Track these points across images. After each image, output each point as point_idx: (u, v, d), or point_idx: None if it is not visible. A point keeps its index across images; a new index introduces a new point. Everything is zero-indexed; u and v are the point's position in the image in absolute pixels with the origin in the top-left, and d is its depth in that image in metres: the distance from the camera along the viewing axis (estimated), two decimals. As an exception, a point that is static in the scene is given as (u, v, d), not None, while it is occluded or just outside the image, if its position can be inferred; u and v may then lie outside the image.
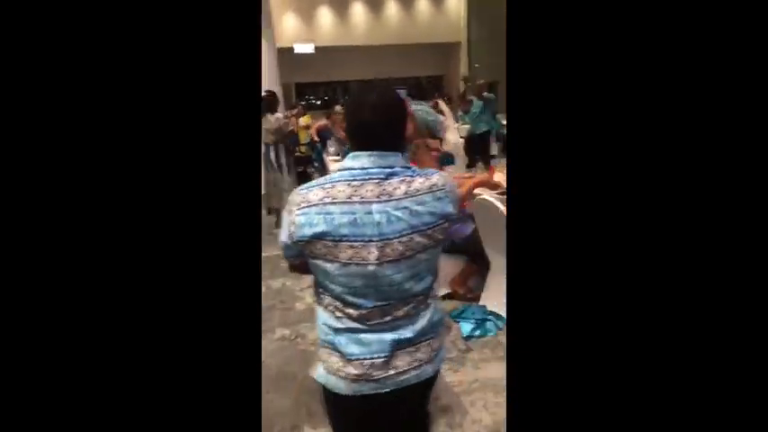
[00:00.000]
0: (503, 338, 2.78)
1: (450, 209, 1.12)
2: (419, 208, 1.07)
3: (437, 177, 1.12)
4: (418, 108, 4.62)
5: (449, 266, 3.24)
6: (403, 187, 1.07)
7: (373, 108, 1.08)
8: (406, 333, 1.13)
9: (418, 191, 1.08)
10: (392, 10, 15.07)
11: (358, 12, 14.69)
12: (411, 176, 1.09)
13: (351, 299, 1.10)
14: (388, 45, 14.96)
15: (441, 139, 5.18)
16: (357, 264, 1.06)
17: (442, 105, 6.92)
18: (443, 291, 3.27)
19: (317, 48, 13.94)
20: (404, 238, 1.06)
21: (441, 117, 5.97)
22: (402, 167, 1.10)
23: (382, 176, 1.07)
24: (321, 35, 14.23)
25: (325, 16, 14.32)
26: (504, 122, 9.86)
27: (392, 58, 16.00)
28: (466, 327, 2.86)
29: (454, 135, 6.55)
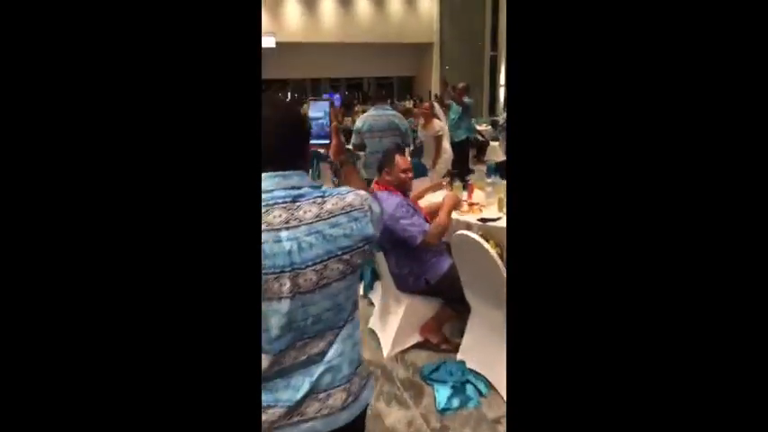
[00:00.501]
0: (488, 410, 2.31)
1: (369, 230, 1.04)
2: (333, 231, 1.00)
3: (353, 197, 1.05)
4: (384, 113, 4.26)
5: (420, 310, 2.80)
6: (314, 210, 1.00)
7: (265, 123, 0.93)
8: (319, 376, 1.04)
9: (331, 212, 1.01)
10: (364, 7, 14.59)
11: (328, 7, 14.13)
12: (322, 197, 1.02)
13: (264, 345, 1.00)
14: (358, 43, 14.49)
15: (412, 150, 4.78)
16: (269, 299, 0.97)
17: (438, 110, 6.27)
18: (413, 339, 2.82)
19: (284, 44, 13.34)
20: (318, 266, 0.99)
21: (425, 122, 5.56)
22: (310, 187, 1.04)
23: (289, 199, 1.00)
24: (288, 30, 13.61)
25: (293, 10, 13.70)
26: (479, 128, 9.55)
27: (363, 57, 15.63)
28: (442, 394, 2.34)
29: (448, 144, 5.99)
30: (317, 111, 1.21)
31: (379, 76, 18.18)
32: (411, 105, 13.07)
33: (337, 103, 15.77)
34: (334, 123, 1.19)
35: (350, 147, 5.04)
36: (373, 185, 2.76)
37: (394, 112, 4.47)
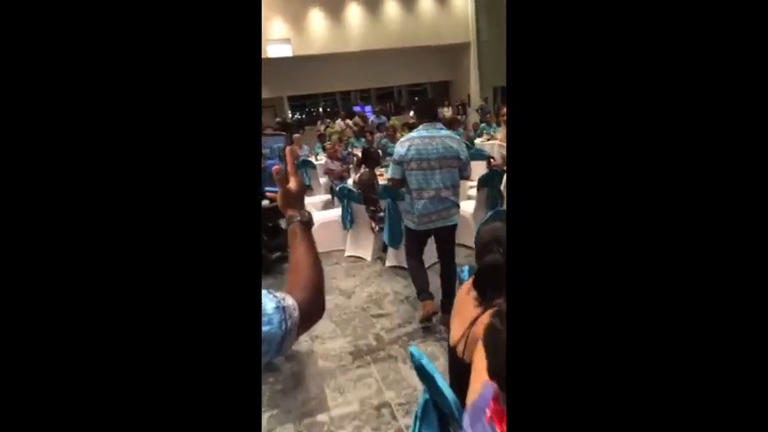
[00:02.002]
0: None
1: None
2: None
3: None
4: (438, 134, 2.99)
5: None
6: None
7: None
8: None
9: None
10: (392, 9, 13.35)
11: (353, 14, 12.98)
12: None
13: None
14: (388, 49, 13.29)
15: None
16: None
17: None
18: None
19: (307, 57, 12.28)
20: None
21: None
22: None
23: None
24: (312, 42, 12.52)
25: (316, 20, 12.61)
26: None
27: (393, 64, 14.43)
28: None
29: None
30: (271, 148, 1.08)
31: (411, 84, 17.03)
32: (452, 113, 11.86)
33: (370, 116, 14.73)
34: (289, 163, 0.94)
35: (385, 180, 3.69)
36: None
37: (450, 133, 3.08)
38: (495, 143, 7.75)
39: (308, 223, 0.91)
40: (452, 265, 3.19)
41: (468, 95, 15.19)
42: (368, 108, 16.15)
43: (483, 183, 4.22)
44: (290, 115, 15.97)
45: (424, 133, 2.92)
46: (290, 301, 0.79)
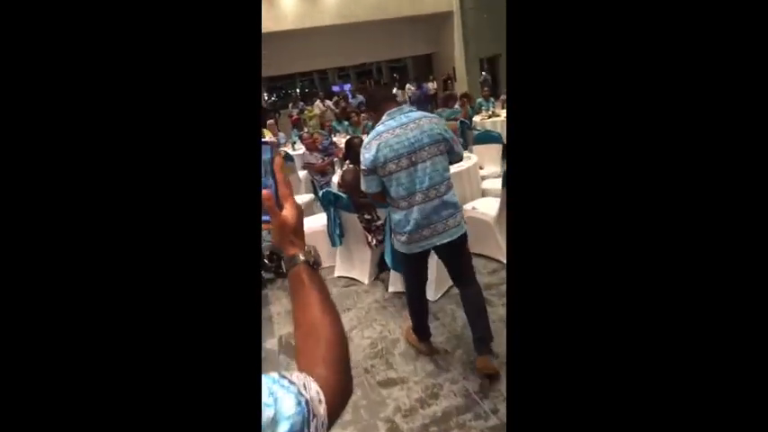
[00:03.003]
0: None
1: None
2: None
3: None
4: (410, 120, 2.10)
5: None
6: None
7: None
8: None
9: None
10: (368, -23, 12.14)
11: (326, -16, 11.75)
12: None
13: None
14: (365, 22, 12.12)
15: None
16: None
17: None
18: None
19: (279, 33, 11.08)
20: None
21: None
22: None
23: None
24: (285, 16, 11.30)
25: (286, -7, 11.35)
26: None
27: (371, 38, 13.28)
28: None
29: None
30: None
31: (392, 59, 15.94)
32: (442, 89, 10.80)
33: (350, 96, 13.62)
34: (281, 183, 0.75)
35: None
36: None
37: (424, 115, 2.21)
38: (498, 120, 6.79)
39: (315, 263, 0.75)
40: (476, 288, 2.32)
41: (454, 68, 14.18)
42: (348, 86, 15.04)
43: (509, 177, 3.27)
44: (265, 98, 14.81)
45: (392, 123, 2.14)
46: (312, 390, 0.61)
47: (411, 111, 2.20)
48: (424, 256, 2.28)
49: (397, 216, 2.19)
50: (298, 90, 16.43)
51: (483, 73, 13.42)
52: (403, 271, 2.48)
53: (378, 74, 17.64)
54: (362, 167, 2.18)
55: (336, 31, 12.24)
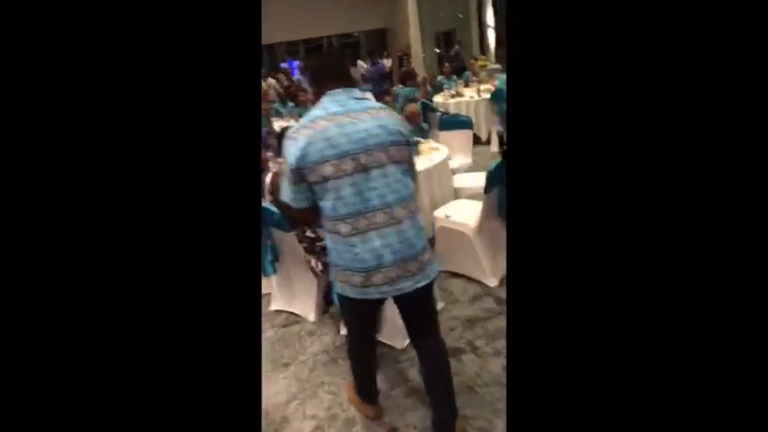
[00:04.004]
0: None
1: None
2: None
3: None
4: (358, 107, 1.40)
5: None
6: None
7: None
8: None
9: None
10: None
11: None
12: None
13: None
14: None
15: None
16: None
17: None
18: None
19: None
20: None
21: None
22: None
23: None
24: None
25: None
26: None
27: (322, 12, 12.27)
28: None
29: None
30: None
31: (343, 34, 14.94)
32: (398, 66, 9.90)
33: (294, 73, 12.54)
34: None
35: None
36: None
37: (383, 106, 1.51)
38: (462, 102, 6.03)
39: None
40: (440, 345, 1.67)
41: (408, 45, 13.36)
42: (296, 63, 13.97)
43: (493, 178, 2.49)
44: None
45: (334, 108, 1.42)
46: None
47: (365, 97, 1.48)
48: (380, 302, 1.54)
49: (339, 246, 1.44)
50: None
51: (438, 50, 12.69)
52: (345, 318, 1.72)
53: (328, 49, 16.60)
54: (283, 152, 1.44)
55: (285, 3, 11.17)
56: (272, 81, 8.99)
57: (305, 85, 7.39)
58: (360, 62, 12.28)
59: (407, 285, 1.43)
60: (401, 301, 1.53)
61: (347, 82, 1.47)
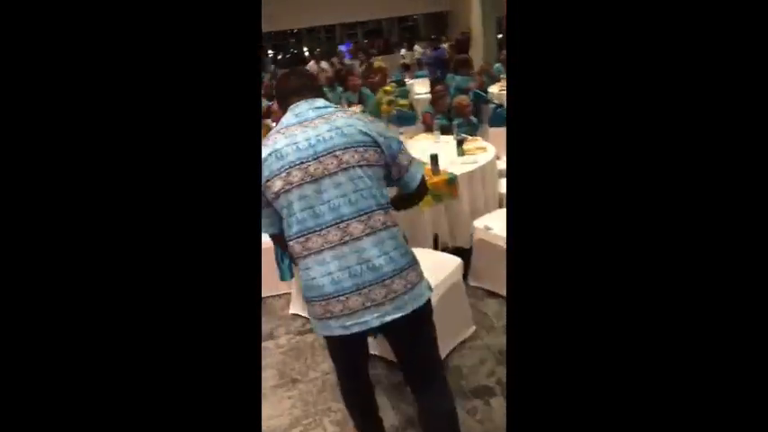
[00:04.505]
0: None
1: None
2: None
3: None
4: (321, 114, 1.27)
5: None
6: None
7: None
8: None
9: None
10: None
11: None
12: None
13: None
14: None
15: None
16: None
17: None
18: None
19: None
20: None
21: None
22: None
23: None
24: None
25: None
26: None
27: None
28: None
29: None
30: None
31: (403, 16, 14.62)
32: (456, 51, 9.46)
33: (348, 56, 12.34)
34: None
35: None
36: None
37: (339, 108, 1.33)
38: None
39: None
40: (445, 392, 1.40)
41: (470, 29, 12.85)
42: (347, 46, 13.78)
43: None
44: (270, 54, 13.68)
45: (291, 121, 1.29)
46: None
47: (328, 105, 1.33)
48: (355, 339, 1.27)
49: (302, 271, 1.26)
50: (305, 49, 15.14)
51: (500, 35, 12.14)
52: (331, 356, 1.46)
53: (388, 33, 16.36)
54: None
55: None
56: (324, 64, 8.78)
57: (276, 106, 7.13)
58: (416, 46, 11.92)
59: (372, 319, 1.18)
60: (384, 332, 1.28)
61: (312, 94, 1.34)
